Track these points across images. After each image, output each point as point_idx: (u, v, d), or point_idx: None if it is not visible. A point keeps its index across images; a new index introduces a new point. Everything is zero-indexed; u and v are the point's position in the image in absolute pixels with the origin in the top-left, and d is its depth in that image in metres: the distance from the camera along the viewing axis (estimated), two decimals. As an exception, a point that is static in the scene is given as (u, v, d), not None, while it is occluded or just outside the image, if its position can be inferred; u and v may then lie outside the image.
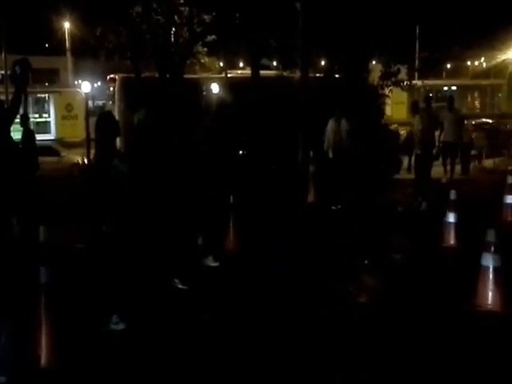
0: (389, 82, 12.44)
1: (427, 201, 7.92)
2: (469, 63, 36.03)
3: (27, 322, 3.43)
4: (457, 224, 6.12)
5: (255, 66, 13.40)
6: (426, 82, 20.43)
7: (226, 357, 3.64)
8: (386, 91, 12.51)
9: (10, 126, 3.44)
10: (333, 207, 8.15)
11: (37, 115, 21.19)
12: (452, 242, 6.12)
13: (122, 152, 4.59)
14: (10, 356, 3.23)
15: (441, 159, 10.00)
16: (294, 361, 3.58)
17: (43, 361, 3.42)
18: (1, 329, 3.23)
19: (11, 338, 3.24)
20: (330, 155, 9.05)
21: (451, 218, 6.14)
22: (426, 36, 20.78)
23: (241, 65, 27.23)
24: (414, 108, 9.21)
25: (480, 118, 16.32)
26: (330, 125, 9.05)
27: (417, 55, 20.72)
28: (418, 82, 18.25)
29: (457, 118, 10.13)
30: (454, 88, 26.34)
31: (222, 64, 24.89)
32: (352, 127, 8.88)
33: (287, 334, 3.95)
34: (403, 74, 13.78)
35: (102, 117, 4.46)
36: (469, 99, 26.67)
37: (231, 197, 6.17)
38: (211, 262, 5.55)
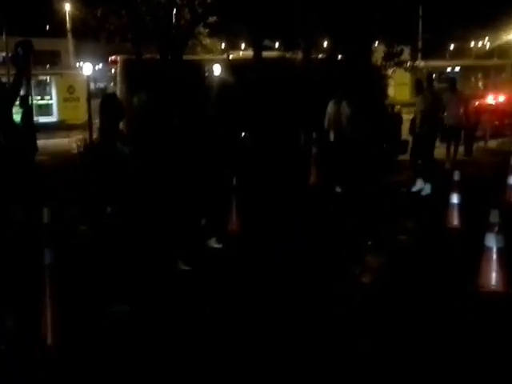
0: (392, 63, 12.32)
1: (430, 182, 7.86)
2: (472, 44, 35.59)
3: (32, 303, 3.46)
4: (460, 205, 6.12)
5: (257, 48, 13.26)
6: (429, 62, 20.24)
7: (229, 340, 3.67)
8: (389, 72, 12.39)
9: (11, 107, 3.43)
10: (337, 189, 8.08)
11: (38, 97, 21.06)
12: (455, 222, 6.13)
13: (125, 134, 4.56)
14: (16, 335, 3.27)
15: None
16: (296, 345, 3.61)
17: (48, 341, 3.46)
18: (6, 310, 3.26)
19: (17, 319, 3.28)
20: (331, 138, 8.88)
21: (455, 198, 6.13)
22: (429, 16, 20.48)
23: (243, 46, 26.95)
24: (418, 87, 8.84)
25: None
26: (330, 106, 8.85)
27: (420, 36, 20.45)
28: (421, 63, 18.06)
29: (459, 100, 9.85)
30: (457, 69, 26.05)
31: (223, 45, 24.64)
32: (353, 110, 8.63)
33: (289, 318, 3.98)
34: (406, 55, 13.65)
35: (106, 99, 4.43)
36: (472, 80, 26.37)
37: (234, 178, 6.17)
38: (215, 244, 5.58)
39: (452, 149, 9.86)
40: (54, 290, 3.45)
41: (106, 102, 4.33)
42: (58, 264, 3.48)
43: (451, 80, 10.72)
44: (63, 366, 3.33)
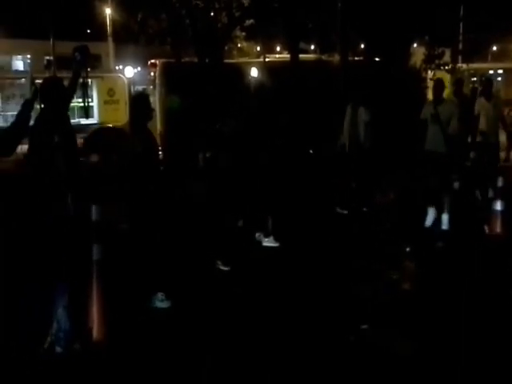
0: (432, 66, 12.08)
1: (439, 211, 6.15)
2: (516, 45, 34.46)
3: (81, 297, 3.59)
4: (503, 212, 5.97)
5: (294, 50, 13.28)
6: (470, 65, 19.74)
7: (267, 335, 3.71)
8: (430, 75, 12.15)
9: (67, 108, 3.61)
10: (338, 210, 7.13)
11: (80, 100, 21.62)
12: (498, 230, 5.98)
13: (151, 135, 4.56)
14: (65, 328, 3.41)
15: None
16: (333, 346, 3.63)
17: (95, 334, 3.58)
18: (58, 302, 3.40)
19: (67, 311, 3.41)
20: (347, 149, 7.59)
21: (498, 205, 5.98)
22: (470, 17, 20.00)
23: (277, 49, 27.05)
24: (438, 92, 6.33)
25: None
26: (348, 113, 7.55)
27: (461, 37, 19.98)
28: (463, 65, 17.61)
29: (499, 110, 7.69)
30: (500, 71, 25.27)
31: (259, 48, 24.79)
32: (371, 117, 7.29)
33: (327, 321, 3.99)
34: (447, 57, 13.36)
35: (134, 98, 4.61)
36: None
37: (271, 183, 6.21)
38: (272, 243, 5.68)
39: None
40: (102, 286, 3.57)
41: (135, 100, 4.50)
42: (106, 260, 3.61)
43: (486, 82, 8.18)
44: (109, 360, 3.45)
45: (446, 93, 8.37)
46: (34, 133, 3.45)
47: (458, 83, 7.97)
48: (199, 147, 6.14)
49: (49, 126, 3.41)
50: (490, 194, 6.75)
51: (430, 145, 6.15)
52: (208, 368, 3.37)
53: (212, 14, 14.35)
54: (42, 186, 3.39)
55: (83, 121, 16.70)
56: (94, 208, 3.58)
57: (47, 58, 23.17)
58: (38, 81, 3.82)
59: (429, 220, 6.18)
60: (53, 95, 3.45)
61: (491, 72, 24.50)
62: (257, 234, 5.83)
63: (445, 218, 6.09)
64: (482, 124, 7.23)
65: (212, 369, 3.37)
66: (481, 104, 7.40)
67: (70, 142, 3.58)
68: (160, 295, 4.15)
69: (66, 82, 3.67)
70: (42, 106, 3.48)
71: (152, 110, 4.41)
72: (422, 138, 6.29)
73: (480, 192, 7.16)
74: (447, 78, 16.90)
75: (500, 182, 6.04)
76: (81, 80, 3.71)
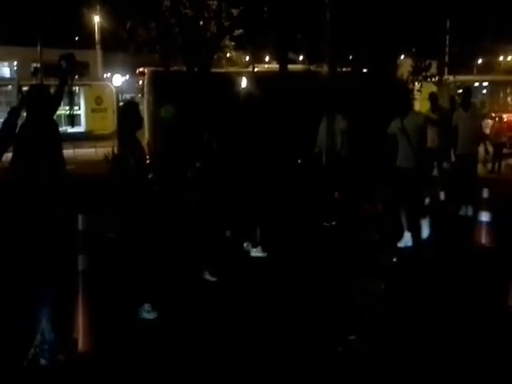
0: (419, 77, 12.23)
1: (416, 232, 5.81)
2: (501, 58, 35.15)
3: (66, 307, 3.54)
4: (489, 223, 6.03)
5: (283, 60, 13.36)
6: (457, 77, 20.07)
7: (253, 346, 3.69)
8: (417, 86, 12.30)
9: (52, 116, 3.58)
10: (325, 223, 7.02)
11: (67, 107, 21.55)
12: (484, 241, 6.03)
13: (139, 143, 4.53)
14: (49, 339, 3.35)
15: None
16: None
17: (80, 345, 3.53)
18: (42, 313, 3.34)
19: (51, 322, 3.35)
20: (324, 160, 7.60)
21: (484, 216, 6.04)
22: (456, 30, 20.34)
23: (267, 59, 27.23)
24: (404, 105, 6.15)
25: None
26: (323, 124, 7.53)
27: (447, 50, 20.32)
28: (449, 77, 17.91)
29: (476, 120, 7.47)
30: (485, 84, 25.71)
31: (247, 58, 24.93)
32: (348, 124, 7.28)
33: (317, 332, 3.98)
34: (433, 69, 13.58)
35: (123, 107, 4.58)
36: (501, 95, 25.91)
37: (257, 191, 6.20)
38: (260, 253, 5.68)
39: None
40: (88, 296, 3.52)
41: (123, 110, 4.48)
42: (91, 270, 3.56)
43: (464, 92, 7.67)
44: (94, 372, 3.39)
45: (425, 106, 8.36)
46: (18, 140, 3.41)
47: (432, 99, 7.69)
48: (188, 157, 6.13)
49: (34, 134, 3.38)
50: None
51: (400, 161, 5.87)
52: (195, 380, 3.33)
53: (201, 23, 14.41)
54: (27, 194, 3.34)
55: (70, 129, 16.61)
56: (80, 217, 3.54)
57: (34, 65, 23.05)
58: (25, 88, 3.80)
59: (403, 242, 5.94)
60: (39, 103, 3.42)
61: (476, 84, 24.89)
62: (245, 244, 5.83)
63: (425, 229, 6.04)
64: (460, 134, 7.14)
65: (199, 381, 3.33)
66: (458, 114, 7.29)
67: (56, 151, 3.54)
68: (147, 306, 4.10)
69: (53, 90, 3.65)
70: (27, 113, 3.44)
71: (141, 119, 4.38)
72: (390, 153, 6.07)
73: (464, 204, 7.22)
74: (434, 90, 17.12)
75: (485, 194, 6.11)
76: (67, 88, 3.69)
